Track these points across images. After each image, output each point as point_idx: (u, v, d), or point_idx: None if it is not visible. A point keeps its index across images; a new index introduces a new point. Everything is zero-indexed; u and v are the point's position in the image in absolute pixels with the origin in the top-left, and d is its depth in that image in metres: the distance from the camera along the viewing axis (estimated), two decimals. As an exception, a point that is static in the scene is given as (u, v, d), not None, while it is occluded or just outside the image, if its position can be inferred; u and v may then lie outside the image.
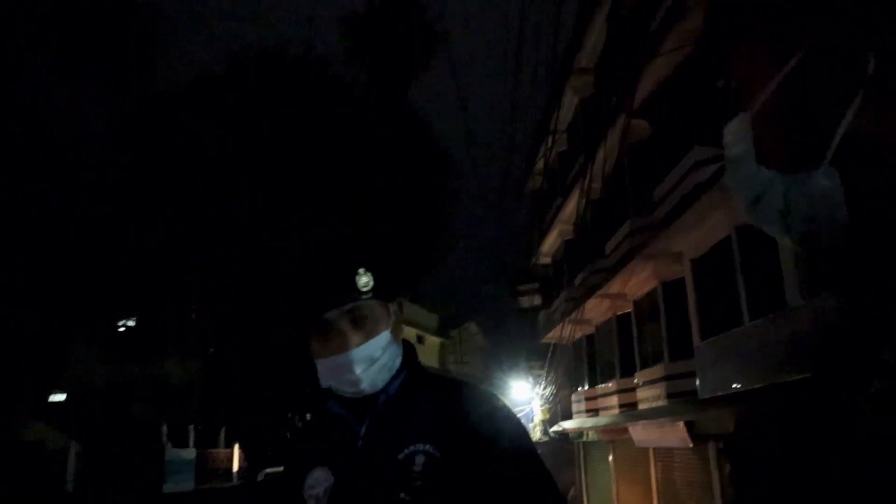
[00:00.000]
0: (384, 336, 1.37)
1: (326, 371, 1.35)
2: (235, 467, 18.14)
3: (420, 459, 1.24)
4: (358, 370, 1.31)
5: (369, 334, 1.34)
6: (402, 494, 1.22)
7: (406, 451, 1.25)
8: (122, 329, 25.49)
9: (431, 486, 1.21)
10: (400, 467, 1.24)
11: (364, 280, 1.34)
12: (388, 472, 1.24)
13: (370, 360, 1.33)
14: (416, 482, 1.22)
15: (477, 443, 1.25)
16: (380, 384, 1.35)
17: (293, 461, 1.43)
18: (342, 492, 1.27)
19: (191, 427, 17.61)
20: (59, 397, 23.53)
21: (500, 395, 1.41)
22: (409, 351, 1.45)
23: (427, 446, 1.25)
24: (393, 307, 1.43)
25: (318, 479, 1.30)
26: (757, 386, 8.15)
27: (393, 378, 1.37)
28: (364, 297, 1.35)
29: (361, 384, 1.32)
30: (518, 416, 1.41)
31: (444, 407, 1.33)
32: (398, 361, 1.40)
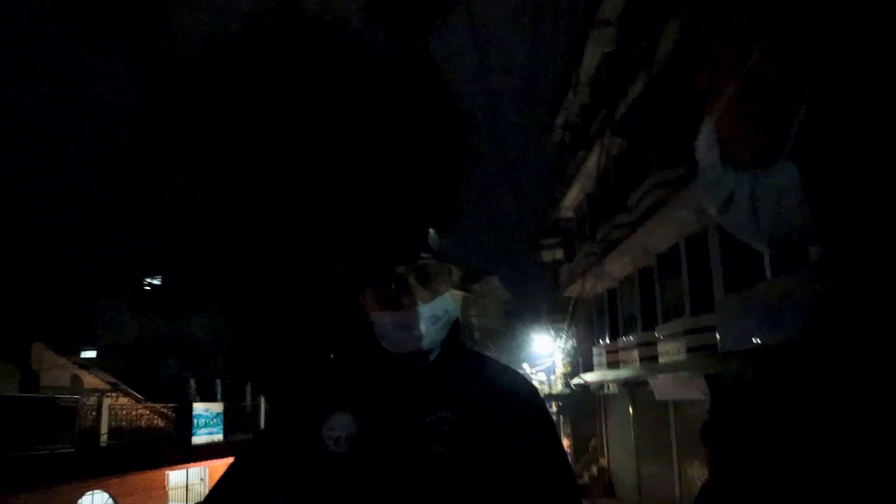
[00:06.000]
0: (447, 296, 1.39)
1: (385, 325, 1.35)
2: (262, 419, 18.63)
3: (445, 426, 1.26)
4: (423, 327, 1.32)
5: (435, 292, 1.37)
6: (426, 456, 1.24)
7: (434, 416, 1.28)
8: (147, 288, 26.08)
9: (454, 452, 1.24)
10: (426, 431, 1.26)
11: (434, 238, 1.37)
12: (414, 433, 1.26)
13: (434, 318, 1.35)
14: (439, 448, 1.24)
15: (500, 418, 1.29)
16: (437, 343, 1.37)
17: (310, 400, 1.42)
18: (367, 442, 1.27)
19: (218, 381, 18.06)
20: (90, 354, 24.23)
21: (524, 373, 1.44)
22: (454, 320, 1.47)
23: (453, 414, 1.27)
24: (450, 270, 1.47)
25: (341, 423, 1.30)
26: (775, 342, 8.14)
27: (442, 340, 1.39)
28: (432, 255, 1.37)
29: (423, 341, 1.33)
30: (540, 394, 1.45)
31: (474, 378, 1.36)
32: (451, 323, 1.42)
